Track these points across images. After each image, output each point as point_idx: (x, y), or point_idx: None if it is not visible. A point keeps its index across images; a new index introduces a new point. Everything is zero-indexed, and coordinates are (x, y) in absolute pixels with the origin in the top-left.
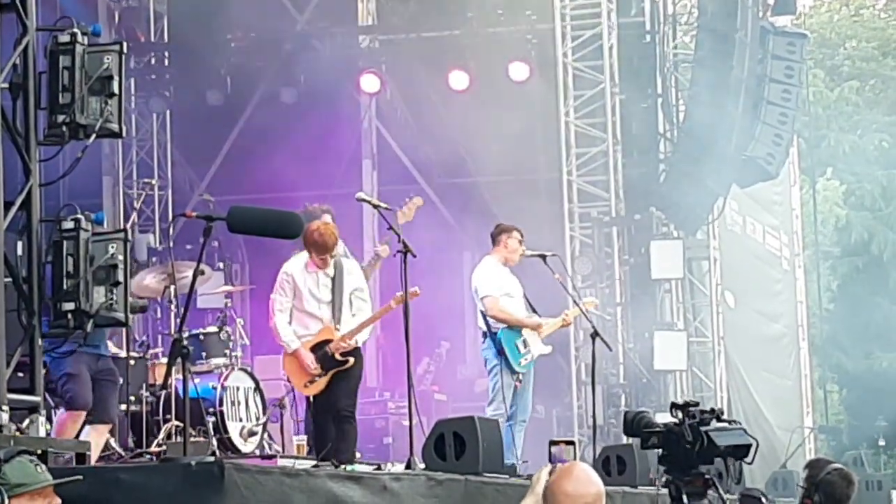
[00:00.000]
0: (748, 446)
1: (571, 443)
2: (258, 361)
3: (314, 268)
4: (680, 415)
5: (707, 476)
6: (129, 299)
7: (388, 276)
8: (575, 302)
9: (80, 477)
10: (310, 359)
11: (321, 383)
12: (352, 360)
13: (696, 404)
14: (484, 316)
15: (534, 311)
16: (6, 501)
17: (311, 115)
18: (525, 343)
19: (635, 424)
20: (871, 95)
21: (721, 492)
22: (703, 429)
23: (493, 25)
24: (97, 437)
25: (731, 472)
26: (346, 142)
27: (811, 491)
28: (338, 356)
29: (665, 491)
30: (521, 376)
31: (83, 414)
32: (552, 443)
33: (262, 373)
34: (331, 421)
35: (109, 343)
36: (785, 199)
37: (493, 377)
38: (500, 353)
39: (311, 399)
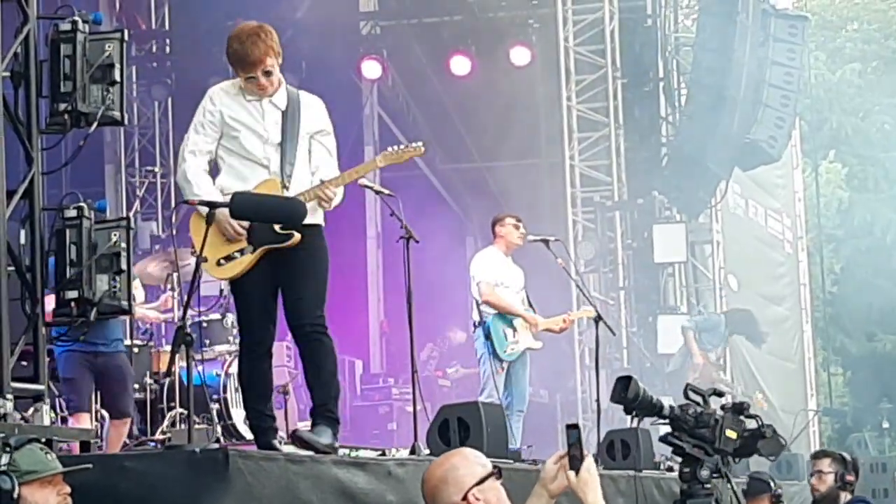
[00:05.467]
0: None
1: (575, 426)
2: None
3: (253, 95)
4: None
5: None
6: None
7: (390, 261)
8: (578, 286)
9: (90, 465)
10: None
11: (244, 262)
12: (298, 236)
13: (722, 394)
14: (477, 305)
15: (531, 308)
16: (17, 488)
17: None
18: (515, 333)
19: (636, 396)
20: (873, 77)
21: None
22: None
23: (495, 10)
24: (114, 432)
25: (731, 463)
26: (348, 128)
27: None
28: (278, 229)
29: (671, 474)
30: (504, 364)
31: (86, 414)
32: (569, 426)
33: None
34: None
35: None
36: (787, 181)
37: (482, 365)
38: (487, 338)
39: (233, 289)
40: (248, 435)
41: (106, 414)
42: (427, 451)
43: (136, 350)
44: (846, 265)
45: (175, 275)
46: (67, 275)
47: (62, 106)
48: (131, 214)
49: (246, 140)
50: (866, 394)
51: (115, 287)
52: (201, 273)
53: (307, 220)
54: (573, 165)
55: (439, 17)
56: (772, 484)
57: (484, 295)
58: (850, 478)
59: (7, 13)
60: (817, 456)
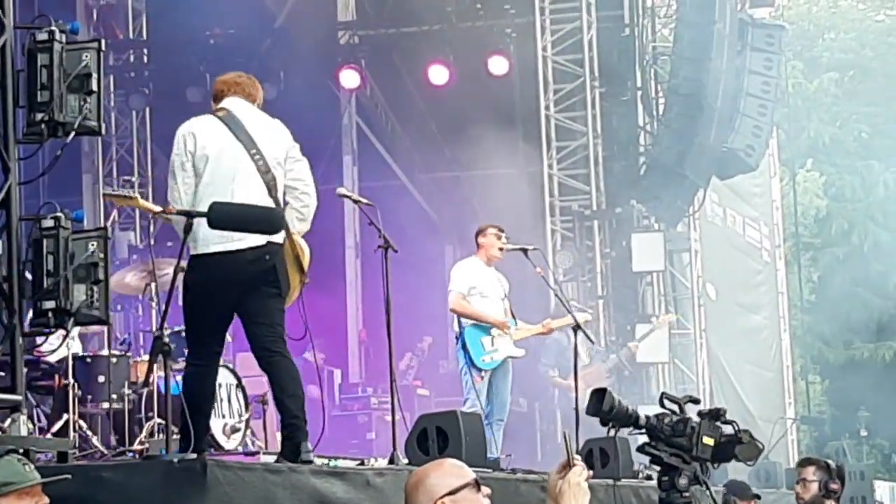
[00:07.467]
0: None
1: (564, 436)
2: (240, 358)
3: None
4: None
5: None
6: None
7: (369, 271)
8: (557, 295)
9: (69, 476)
10: None
11: None
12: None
13: (698, 401)
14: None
15: (513, 317)
16: None
17: (290, 112)
18: (492, 342)
19: (611, 408)
20: (850, 86)
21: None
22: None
23: (473, 20)
24: None
25: (710, 470)
26: (325, 138)
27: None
28: None
29: (649, 482)
30: (484, 373)
31: None
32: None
33: (244, 369)
34: None
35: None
36: (765, 190)
37: (464, 375)
38: (464, 349)
39: None
40: (227, 445)
41: None
42: (406, 461)
43: (114, 360)
44: (824, 274)
45: (153, 284)
46: (45, 285)
47: (39, 115)
48: (109, 224)
49: None
50: (844, 402)
51: (92, 297)
52: (178, 284)
53: None
54: (551, 174)
55: (417, 27)
56: (748, 490)
57: (451, 304)
58: (834, 486)
59: None
60: (802, 464)
